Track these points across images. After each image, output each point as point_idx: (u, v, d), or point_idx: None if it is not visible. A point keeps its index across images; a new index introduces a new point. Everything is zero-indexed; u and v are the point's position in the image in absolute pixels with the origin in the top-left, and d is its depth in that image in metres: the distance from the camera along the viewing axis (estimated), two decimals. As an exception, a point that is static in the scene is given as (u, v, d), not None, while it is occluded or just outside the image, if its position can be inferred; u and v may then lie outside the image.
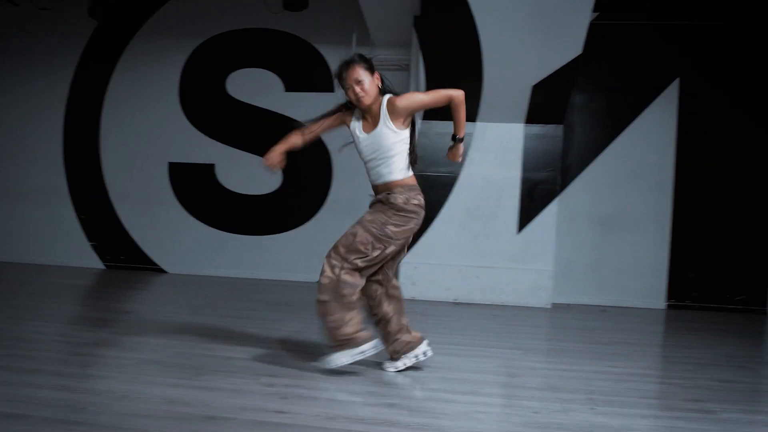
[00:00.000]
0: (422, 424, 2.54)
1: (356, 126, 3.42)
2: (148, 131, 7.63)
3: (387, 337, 3.42)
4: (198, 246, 7.49)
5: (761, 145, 6.66)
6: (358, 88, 3.27)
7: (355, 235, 3.28)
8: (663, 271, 6.68)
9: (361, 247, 3.24)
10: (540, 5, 5.58)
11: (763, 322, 6.14)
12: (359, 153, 3.45)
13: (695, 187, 6.69)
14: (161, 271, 7.57)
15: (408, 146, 3.37)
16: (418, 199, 3.32)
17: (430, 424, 2.55)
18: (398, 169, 3.33)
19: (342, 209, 7.28)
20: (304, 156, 7.25)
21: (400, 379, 3.29)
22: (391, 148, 3.30)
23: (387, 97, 3.34)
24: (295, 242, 7.35)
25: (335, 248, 3.28)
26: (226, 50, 7.47)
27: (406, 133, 3.36)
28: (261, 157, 7.19)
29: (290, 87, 7.34)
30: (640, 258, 6.70)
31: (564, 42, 5.83)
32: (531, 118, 6.40)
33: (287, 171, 7.29)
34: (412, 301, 6.29)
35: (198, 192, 7.52)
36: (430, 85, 6.18)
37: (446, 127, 6.52)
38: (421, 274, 6.42)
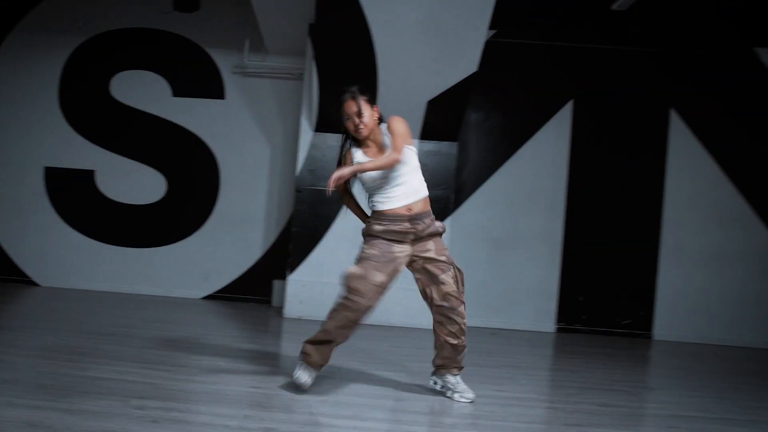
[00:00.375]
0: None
1: (360, 158, 3.54)
2: (22, 132, 7.08)
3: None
4: (74, 257, 6.99)
5: (649, 170, 6.79)
6: (357, 120, 3.43)
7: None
8: (553, 294, 6.67)
9: None
10: (436, 21, 5.50)
11: (648, 347, 6.25)
12: (367, 182, 3.54)
13: (586, 209, 6.74)
14: (32, 283, 7.01)
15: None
16: None
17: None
18: (423, 181, 3.56)
19: (229, 222, 6.96)
20: (189, 165, 6.94)
21: (277, 402, 3.20)
22: (411, 158, 3.50)
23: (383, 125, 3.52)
24: (179, 256, 6.96)
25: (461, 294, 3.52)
26: (112, 50, 7.03)
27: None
28: (145, 165, 6.89)
29: (178, 92, 6.97)
30: (531, 280, 6.67)
31: (460, 59, 5.78)
32: (425, 135, 6.28)
33: (171, 180, 6.93)
34: (299, 320, 6.06)
35: (76, 199, 7.03)
36: (324, 97, 5.96)
37: (338, 139, 6.29)
38: (309, 292, 6.20)
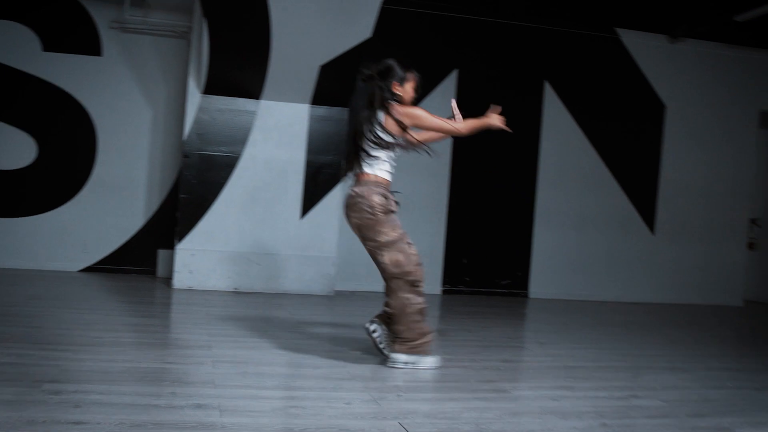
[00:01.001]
0: (238, 424, 2.42)
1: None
2: None
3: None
4: None
5: (526, 139, 7.26)
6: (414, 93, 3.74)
7: None
8: (439, 258, 6.96)
9: None
10: None
11: (526, 305, 6.77)
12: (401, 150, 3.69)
13: (469, 175, 7.12)
14: None
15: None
16: None
17: (247, 424, 2.44)
18: None
19: (108, 188, 6.61)
20: (63, 127, 6.46)
21: (196, 377, 3.12)
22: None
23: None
24: (52, 226, 6.51)
25: None
26: None
27: None
28: (12, 126, 6.32)
29: (49, 46, 6.46)
30: (417, 244, 6.81)
31: (354, 23, 5.81)
32: (317, 100, 6.30)
33: (42, 143, 6.42)
34: (190, 291, 5.97)
35: None
36: (215, 58, 5.74)
37: (229, 103, 6.16)
38: (199, 261, 6.09)
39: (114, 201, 6.61)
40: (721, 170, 7.82)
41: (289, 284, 6.21)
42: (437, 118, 3.62)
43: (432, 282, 6.92)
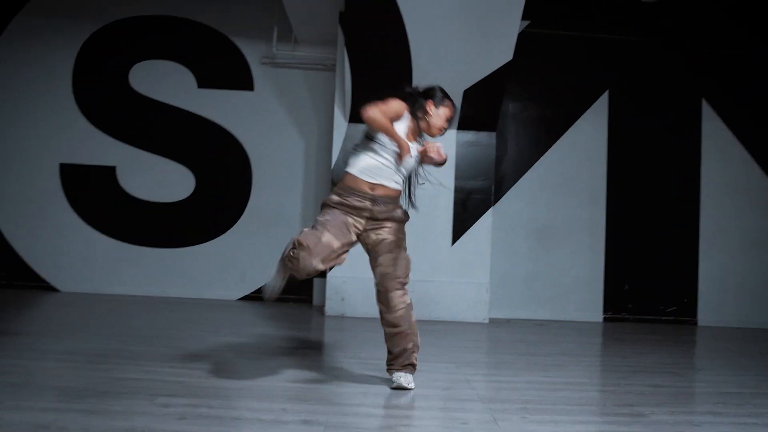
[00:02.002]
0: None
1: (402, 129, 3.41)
2: (33, 126, 6.89)
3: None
4: (96, 260, 6.84)
5: (686, 158, 6.90)
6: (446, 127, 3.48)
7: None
8: (599, 284, 6.71)
9: None
10: (470, 9, 5.45)
11: (694, 332, 6.37)
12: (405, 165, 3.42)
13: (627, 198, 6.87)
14: (52, 289, 6.80)
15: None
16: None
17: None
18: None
19: (264, 218, 6.85)
20: (219, 159, 6.68)
21: (316, 395, 3.10)
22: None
23: None
24: (210, 256, 6.84)
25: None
26: (131, 38, 6.89)
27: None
28: (171, 160, 6.60)
29: (204, 83, 6.86)
30: (576, 270, 6.72)
31: (494, 47, 5.78)
32: (463, 125, 6.23)
33: (199, 176, 6.68)
34: (342, 318, 6.04)
35: (96, 198, 6.88)
36: (357, 87, 5.83)
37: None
38: (351, 289, 6.15)
39: (270, 230, 6.83)
40: None
41: (441, 311, 6.13)
42: (390, 124, 3.25)
43: (593, 309, 6.73)
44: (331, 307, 6.12)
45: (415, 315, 3.38)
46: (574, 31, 6.82)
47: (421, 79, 5.84)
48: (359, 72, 5.90)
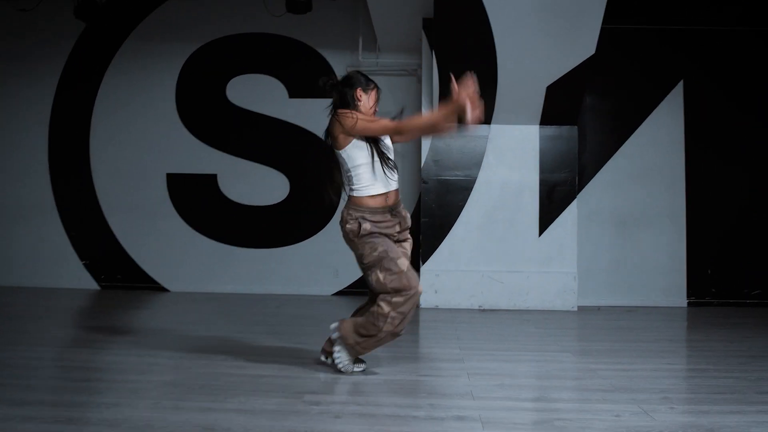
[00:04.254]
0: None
1: None
2: (142, 140, 7.18)
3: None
4: (202, 261, 7.06)
5: (764, 141, 6.71)
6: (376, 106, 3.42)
7: None
8: (682, 269, 6.61)
9: None
10: (554, 7, 5.44)
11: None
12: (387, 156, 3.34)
13: (706, 184, 6.68)
14: (163, 289, 7.09)
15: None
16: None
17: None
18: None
19: None
20: (310, 164, 6.95)
21: (453, 389, 3.07)
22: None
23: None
24: (306, 254, 7.01)
25: None
26: (226, 55, 7.11)
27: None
28: (267, 167, 6.90)
29: (294, 93, 7.02)
30: (658, 257, 6.61)
31: (577, 43, 5.73)
32: (545, 120, 6.27)
33: (293, 180, 6.95)
34: (436, 309, 6.08)
35: (200, 204, 7.11)
36: (445, 89, 5.93)
37: (463, 130, 6.30)
38: (444, 281, 6.20)
39: None
40: None
41: (531, 301, 6.16)
42: (378, 120, 3.21)
43: (676, 294, 6.57)
44: (425, 299, 6.12)
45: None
46: (647, 24, 6.68)
47: (506, 77, 5.91)
48: (446, 74, 5.97)
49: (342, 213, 3.31)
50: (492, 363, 3.65)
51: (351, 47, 6.92)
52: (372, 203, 3.23)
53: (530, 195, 6.25)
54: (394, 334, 3.11)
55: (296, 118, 6.96)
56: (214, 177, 7.05)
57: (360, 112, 3.24)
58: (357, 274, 6.87)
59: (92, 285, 7.19)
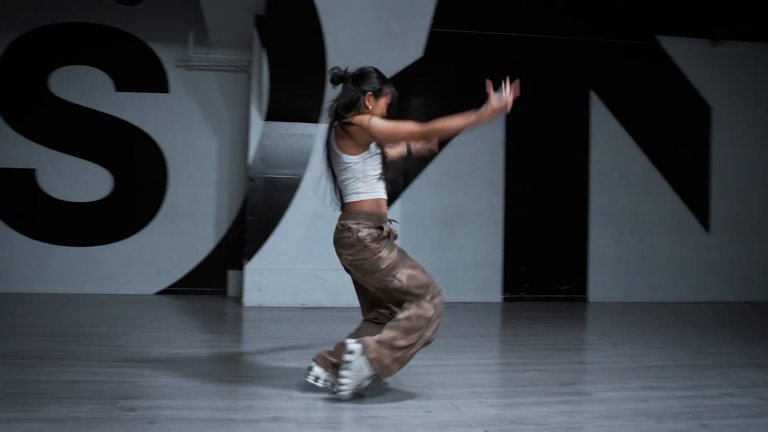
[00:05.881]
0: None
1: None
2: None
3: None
4: (16, 260, 6.41)
5: (577, 146, 7.08)
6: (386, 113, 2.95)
7: None
8: (498, 266, 6.80)
9: None
10: (384, 8, 5.39)
11: (586, 309, 6.48)
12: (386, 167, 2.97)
13: (523, 185, 6.91)
14: (-26, 289, 6.44)
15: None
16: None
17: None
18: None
19: (180, 215, 6.62)
20: (136, 160, 6.63)
21: (272, 390, 2.91)
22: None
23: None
24: (129, 252, 6.55)
25: None
26: (50, 45, 6.50)
27: None
28: (90, 162, 6.52)
29: (121, 87, 6.57)
30: (476, 254, 6.78)
31: (405, 44, 5.71)
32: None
33: (117, 176, 6.59)
34: (260, 308, 5.84)
35: (16, 200, 6.46)
36: (275, 86, 5.84)
37: (290, 128, 6.24)
38: (268, 280, 6.00)
39: (185, 227, 6.59)
40: (771, 168, 7.45)
41: (355, 299, 6.14)
42: (403, 124, 2.86)
43: (492, 290, 6.75)
44: (250, 298, 5.91)
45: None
46: (476, 30, 6.84)
47: None
48: (277, 72, 5.72)
49: (344, 224, 2.82)
50: (311, 362, 3.49)
51: (182, 41, 6.53)
52: (376, 210, 2.86)
53: (353, 194, 6.25)
54: (428, 342, 2.75)
55: (122, 112, 6.50)
56: (32, 172, 6.46)
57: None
58: (180, 273, 6.60)
59: None
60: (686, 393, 2.96)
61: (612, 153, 7.14)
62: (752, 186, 7.41)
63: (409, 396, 2.83)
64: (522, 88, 2.94)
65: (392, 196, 6.14)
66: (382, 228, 2.79)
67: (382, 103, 2.92)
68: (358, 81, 2.87)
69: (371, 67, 2.95)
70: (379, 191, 2.89)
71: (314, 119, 6.16)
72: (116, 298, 6.18)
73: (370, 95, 2.85)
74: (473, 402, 2.74)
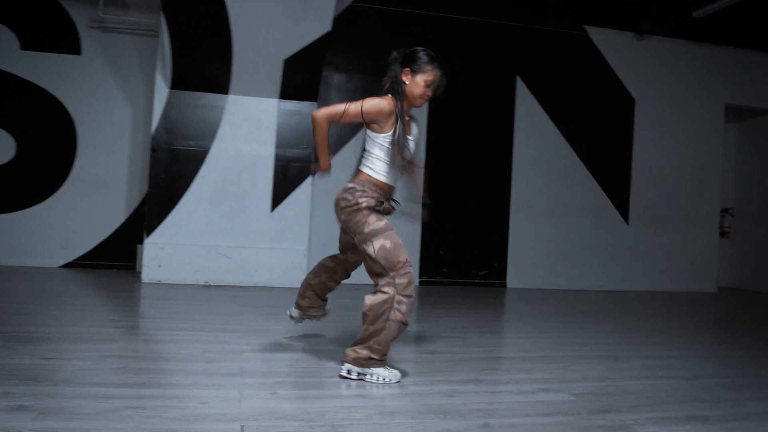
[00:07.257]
0: (51, 429, 1.83)
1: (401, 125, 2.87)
2: None
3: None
4: None
5: (499, 132, 6.84)
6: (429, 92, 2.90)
7: None
8: (416, 249, 6.54)
9: None
10: None
11: (501, 295, 6.22)
12: (398, 156, 2.86)
13: (444, 170, 6.59)
14: None
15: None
16: None
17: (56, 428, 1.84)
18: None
19: (89, 185, 6.23)
20: (42, 125, 6.27)
21: (60, 374, 2.54)
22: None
23: None
24: (32, 222, 6.15)
25: None
26: None
27: None
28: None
29: (27, 45, 6.12)
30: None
31: (313, 18, 5.35)
32: (285, 94, 5.91)
33: (21, 141, 6.26)
34: (159, 285, 5.51)
35: None
36: (177, 52, 5.49)
37: (197, 98, 5.91)
38: (168, 255, 5.68)
39: (94, 197, 6.21)
40: (691, 161, 7.33)
41: (259, 277, 5.80)
42: (325, 134, 2.93)
43: None
44: (149, 274, 5.58)
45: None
46: (402, 8, 6.47)
47: (241, 47, 5.51)
48: (179, 39, 5.35)
49: (351, 187, 2.87)
50: (145, 344, 3.22)
51: (95, 1, 6.13)
52: (383, 187, 2.92)
53: (265, 169, 5.89)
54: (403, 324, 2.71)
55: (28, 72, 6.06)
56: (-73, 133, 6.09)
57: (405, 96, 2.87)
58: (88, 245, 6.25)
59: None
60: (502, 388, 2.69)
61: (536, 139, 6.86)
62: (670, 179, 7.27)
63: (195, 385, 2.50)
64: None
65: (304, 173, 5.96)
66: (382, 202, 2.87)
67: (420, 80, 2.88)
68: (403, 58, 2.91)
69: (420, 47, 2.95)
70: (390, 177, 2.92)
71: (224, 90, 5.84)
72: (20, 271, 5.82)
73: (408, 71, 2.88)
74: (265, 393, 2.42)
